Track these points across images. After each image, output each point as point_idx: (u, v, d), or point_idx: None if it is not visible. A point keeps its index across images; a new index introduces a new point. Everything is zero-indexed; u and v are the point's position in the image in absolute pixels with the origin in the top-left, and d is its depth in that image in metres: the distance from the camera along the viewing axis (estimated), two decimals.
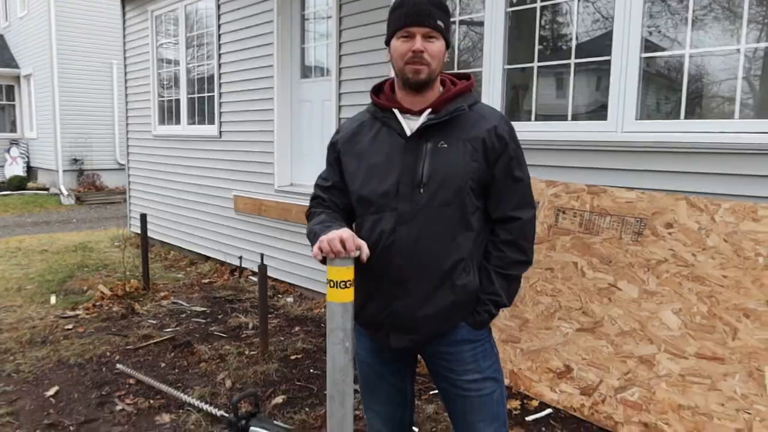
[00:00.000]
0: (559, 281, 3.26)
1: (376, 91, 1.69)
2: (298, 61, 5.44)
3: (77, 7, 13.91)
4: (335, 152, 1.69)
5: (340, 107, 4.77)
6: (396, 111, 1.59)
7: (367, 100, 1.71)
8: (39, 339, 4.22)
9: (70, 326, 4.48)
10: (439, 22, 1.53)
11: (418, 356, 1.78)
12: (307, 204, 1.78)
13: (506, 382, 3.38)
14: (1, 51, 16.78)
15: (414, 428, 2.41)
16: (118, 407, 3.19)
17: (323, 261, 1.49)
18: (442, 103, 1.58)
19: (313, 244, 1.53)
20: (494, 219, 1.63)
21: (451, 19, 1.77)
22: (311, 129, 5.31)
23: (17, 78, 16.51)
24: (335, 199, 1.68)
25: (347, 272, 1.47)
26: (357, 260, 1.49)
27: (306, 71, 5.42)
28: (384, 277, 1.58)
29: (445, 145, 1.55)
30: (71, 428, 2.99)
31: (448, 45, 1.60)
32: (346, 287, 1.47)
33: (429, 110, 1.57)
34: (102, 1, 13.41)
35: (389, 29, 1.59)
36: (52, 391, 3.39)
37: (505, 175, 1.59)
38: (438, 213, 1.54)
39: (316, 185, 1.74)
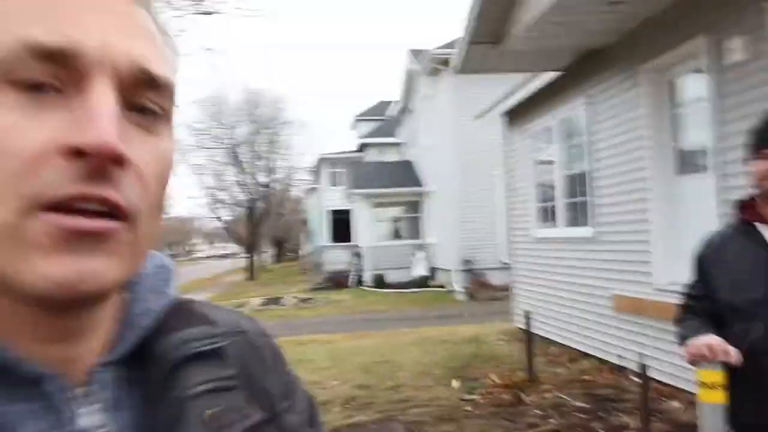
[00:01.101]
0: None
1: (740, 206, 1.81)
2: (671, 158, 5.44)
3: (468, 133, 16.43)
4: (703, 264, 1.86)
5: (719, 203, 4.58)
6: (760, 225, 1.70)
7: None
8: (446, 416, 5.03)
9: (469, 408, 5.20)
10: None
11: None
12: None
13: None
14: (412, 173, 20.73)
15: None
16: None
17: (693, 363, 1.66)
18: None
19: (683, 348, 1.71)
20: None
21: None
22: (689, 227, 5.17)
23: (422, 194, 20.04)
24: (703, 306, 1.83)
25: (716, 375, 1.61)
26: (727, 365, 1.61)
27: (680, 168, 5.38)
28: (761, 381, 1.64)
29: None
30: None
31: None
32: (716, 389, 1.60)
33: None
34: (488, 128, 15.57)
35: (751, 148, 1.73)
36: None
37: None
38: None
39: (684, 294, 1.92)
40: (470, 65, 7.06)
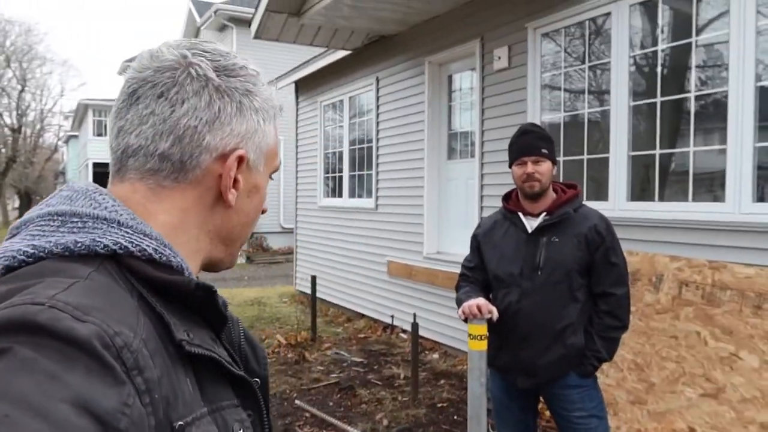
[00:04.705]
0: (683, 348, 3.55)
1: (506, 198, 2.33)
2: (445, 145, 6.23)
3: None
4: (477, 242, 2.35)
5: (482, 186, 5.42)
6: (520, 214, 2.22)
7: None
8: None
9: None
10: (544, 150, 2.15)
11: (539, 397, 2.32)
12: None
13: None
14: None
15: None
16: None
17: (465, 320, 2.13)
18: (555, 207, 2.18)
19: (458, 308, 2.17)
20: (595, 293, 2.16)
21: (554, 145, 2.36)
22: (457, 203, 6.01)
23: None
24: (477, 276, 2.32)
25: (482, 329, 2.09)
26: (489, 320, 2.10)
27: (451, 153, 6.19)
28: (512, 334, 2.17)
29: (557, 240, 2.14)
30: None
31: (554, 163, 2.21)
32: (482, 339, 2.09)
33: (544, 213, 2.18)
34: (276, 94, 15.54)
35: (509, 158, 2.24)
36: None
37: (603, 261, 2.13)
38: (551, 289, 2.12)
39: (463, 265, 2.40)
40: (267, 33, 7.09)
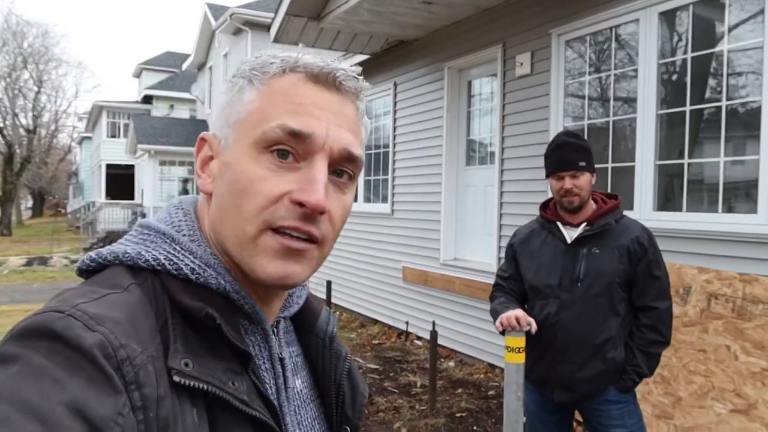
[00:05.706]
0: (711, 363, 3.47)
1: (544, 206, 2.27)
2: (464, 150, 6.17)
3: None
4: (512, 251, 2.29)
5: (501, 192, 5.36)
6: (559, 223, 2.16)
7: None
8: None
9: None
10: (581, 163, 2.09)
11: (575, 412, 2.25)
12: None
13: None
14: None
15: None
16: None
17: (503, 332, 2.07)
18: (595, 218, 2.12)
19: (494, 320, 2.12)
20: (637, 307, 2.10)
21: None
22: (475, 210, 5.95)
23: None
24: (512, 286, 2.26)
25: (520, 341, 2.03)
26: (528, 333, 2.04)
27: (470, 159, 6.13)
28: (550, 347, 2.11)
29: (597, 251, 2.08)
30: None
31: (593, 173, 2.15)
32: (519, 352, 2.03)
33: (585, 223, 2.12)
34: None
35: (546, 169, 2.18)
36: None
37: (645, 274, 2.07)
38: (591, 301, 2.06)
39: (497, 275, 2.34)
40: (287, 36, 7.08)
